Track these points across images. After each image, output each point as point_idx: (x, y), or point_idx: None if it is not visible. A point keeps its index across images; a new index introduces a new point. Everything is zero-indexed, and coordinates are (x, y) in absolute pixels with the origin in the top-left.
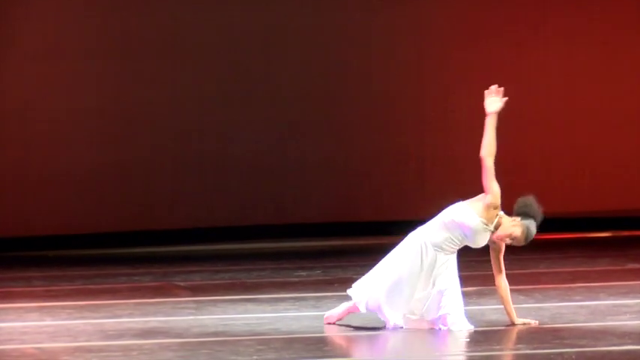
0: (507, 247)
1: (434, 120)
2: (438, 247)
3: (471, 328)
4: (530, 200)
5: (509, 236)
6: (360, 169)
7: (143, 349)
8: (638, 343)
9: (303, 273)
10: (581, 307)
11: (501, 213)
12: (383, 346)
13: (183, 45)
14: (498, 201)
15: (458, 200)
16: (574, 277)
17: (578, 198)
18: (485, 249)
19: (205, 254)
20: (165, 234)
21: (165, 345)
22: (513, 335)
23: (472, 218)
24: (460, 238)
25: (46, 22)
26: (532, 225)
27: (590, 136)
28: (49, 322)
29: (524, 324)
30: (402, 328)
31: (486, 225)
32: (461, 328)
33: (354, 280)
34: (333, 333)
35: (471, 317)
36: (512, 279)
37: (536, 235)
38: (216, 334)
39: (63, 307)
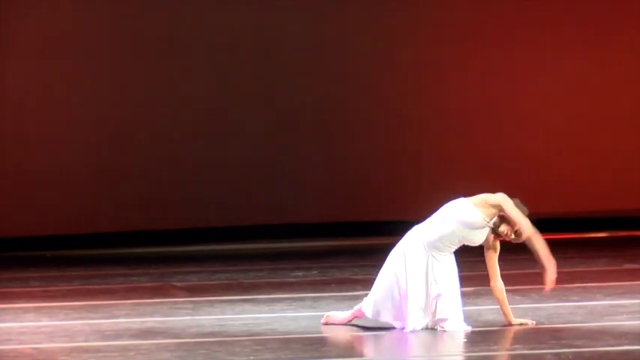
0: (503, 247)
1: (433, 120)
2: (435, 248)
3: (468, 329)
4: (517, 201)
5: (515, 231)
6: (360, 169)
7: (140, 350)
8: (635, 343)
9: (300, 273)
10: (579, 307)
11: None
12: (381, 347)
13: (184, 45)
14: (502, 202)
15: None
16: (571, 278)
17: (575, 198)
18: (482, 250)
19: (202, 255)
20: (162, 234)
21: (163, 345)
22: (510, 335)
23: (473, 213)
24: (458, 235)
25: (45, 21)
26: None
27: (587, 137)
28: (46, 323)
29: (522, 324)
30: (415, 330)
31: (487, 221)
32: (458, 329)
33: (351, 281)
34: (331, 333)
35: (468, 317)
36: (509, 279)
37: None
38: (213, 334)
39: (60, 308)
